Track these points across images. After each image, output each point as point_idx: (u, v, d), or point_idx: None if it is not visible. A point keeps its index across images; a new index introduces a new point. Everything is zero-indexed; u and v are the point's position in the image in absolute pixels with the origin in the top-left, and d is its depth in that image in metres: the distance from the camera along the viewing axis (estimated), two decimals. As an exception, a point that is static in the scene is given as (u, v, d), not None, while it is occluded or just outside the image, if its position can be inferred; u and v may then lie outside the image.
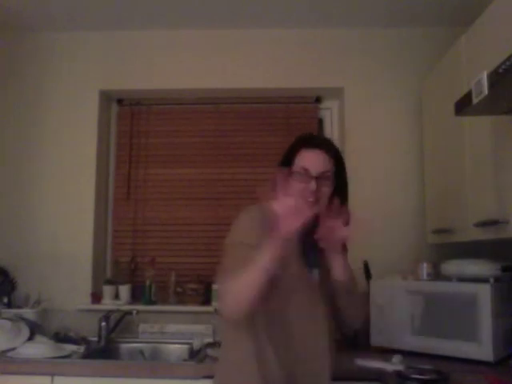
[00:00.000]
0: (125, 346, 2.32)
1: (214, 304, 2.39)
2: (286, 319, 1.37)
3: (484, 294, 1.79)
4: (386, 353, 1.92)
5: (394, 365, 1.71)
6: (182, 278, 2.55)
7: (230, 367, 1.41)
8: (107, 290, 2.50)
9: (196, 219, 2.65)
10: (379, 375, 1.71)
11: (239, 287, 1.26)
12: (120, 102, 2.77)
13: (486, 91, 1.33)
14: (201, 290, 2.49)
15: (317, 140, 1.46)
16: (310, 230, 1.39)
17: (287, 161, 1.43)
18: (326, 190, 1.39)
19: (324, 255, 1.43)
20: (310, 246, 1.42)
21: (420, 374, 1.55)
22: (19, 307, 2.37)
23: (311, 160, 1.39)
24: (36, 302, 2.38)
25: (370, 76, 2.57)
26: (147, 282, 2.50)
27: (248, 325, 1.36)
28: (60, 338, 2.20)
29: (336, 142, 2.77)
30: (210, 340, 2.28)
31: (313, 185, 1.36)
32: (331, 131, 2.73)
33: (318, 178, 1.37)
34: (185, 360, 2.16)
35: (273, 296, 1.31)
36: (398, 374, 1.60)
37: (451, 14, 2.42)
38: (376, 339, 2.06)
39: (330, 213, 1.35)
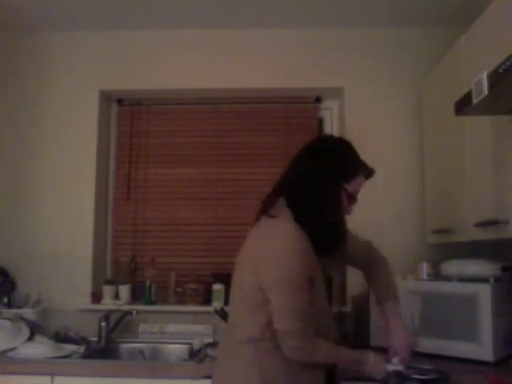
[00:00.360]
0: (125, 346, 2.32)
1: (215, 304, 2.40)
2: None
3: (484, 294, 1.79)
4: (386, 353, 1.92)
5: (394, 365, 1.71)
6: (182, 277, 2.55)
7: (231, 369, 1.39)
8: (107, 290, 2.50)
9: (196, 219, 2.64)
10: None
11: (321, 359, 1.35)
12: (120, 101, 2.77)
13: (485, 91, 1.33)
14: (201, 290, 2.49)
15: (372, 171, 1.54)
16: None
17: (348, 175, 1.44)
18: None
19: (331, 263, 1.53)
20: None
21: (420, 374, 1.55)
22: (19, 307, 2.37)
23: (360, 187, 1.48)
24: (36, 302, 2.38)
25: (370, 76, 2.57)
26: (147, 282, 2.50)
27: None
28: (60, 338, 2.20)
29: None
30: (210, 340, 2.29)
31: (352, 208, 1.46)
32: (331, 131, 2.73)
33: None
34: (185, 360, 2.16)
35: None
36: (398, 374, 1.59)
37: (451, 14, 2.42)
38: (376, 339, 2.05)
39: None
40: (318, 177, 1.38)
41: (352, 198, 1.43)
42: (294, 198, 1.39)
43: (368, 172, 1.50)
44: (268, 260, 1.32)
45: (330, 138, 1.60)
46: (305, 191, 1.39)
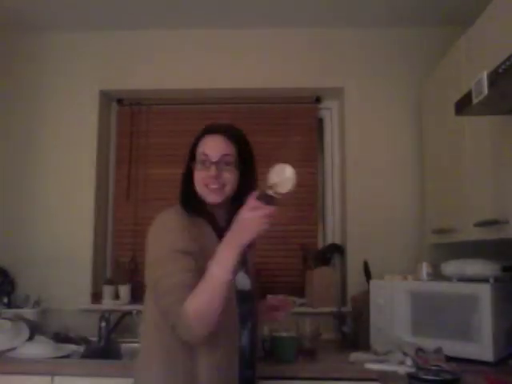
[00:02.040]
0: (125, 346, 2.32)
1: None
2: (227, 334, 1.30)
3: (484, 294, 1.79)
4: (387, 353, 1.92)
5: (408, 367, 1.70)
6: (182, 277, 2.55)
7: None
8: (107, 289, 2.50)
9: (196, 219, 2.64)
10: (380, 376, 1.71)
11: (204, 308, 1.18)
12: (120, 101, 2.77)
13: (485, 91, 1.33)
14: (201, 290, 2.49)
15: (216, 126, 1.44)
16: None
17: (192, 153, 1.42)
18: (228, 175, 1.36)
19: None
20: None
21: (433, 375, 1.55)
22: (19, 307, 2.37)
23: (210, 145, 1.38)
24: (36, 302, 2.38)
25: (370, 76, 2.57)
26: (147, 282, 2.50)
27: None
28: (60, 338, 2.20)
29: (336, 141, 2.79)
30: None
31: (212, 170, 1.34)
32: (331, 131, 2.73)
33: (218, 163, 1.35)
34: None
35: None
36: (412, 375, 1.58)
37: (451, 14, 2.42)
38: (376, 339, 2.05)
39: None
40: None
41: (201, 164, 1.36)
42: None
43: (205, 128, 1.45)
44: (147, 244, 1.33)
45: None
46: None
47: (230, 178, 1.36)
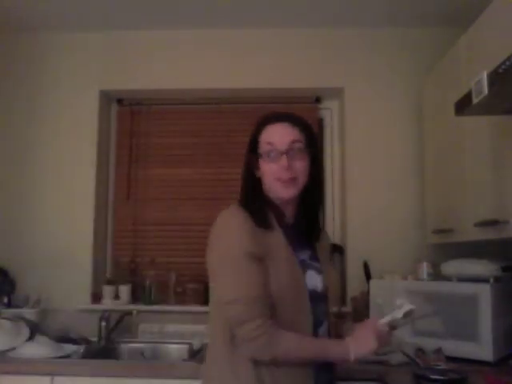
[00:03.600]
0: (125, 346, 2.32)
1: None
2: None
3: (484, 294, 1.79)
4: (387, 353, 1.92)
5: (403, 308, 1.58)
6: (182, 277, 2.55)
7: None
8: (107, 290, 2.50)
9: (196, 219, 2.64)
10: (380, 375, 1.71)
11: (293, 357, 1.18)
12: (120, 101, 2.77)
13: (485, 91, 1.33)
14: (201, 289, 2.49)
15: (280, 114, 1.31)
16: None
17: (253, 145, 1.29)
18: (301, 164, 1.25)
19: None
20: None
21: (439, 375, 1.55)
22: (19, 307, 2.37)
23: (276, 133, 1.25)
24: (36, 302, 2.38)
25: (370, 76, 2.57)
26: (147, 282, 2.50)
27: None
28: (60, 338, 2.19)
29: (336, 141, 2.79)
30: (210, 340, 2.28)
31: (283, 160, 1.22)
32: (331, 131, 2.73)
33: (288, 152, 1.23)
34: (185, 360, 2.16)
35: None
36: (419, 375, 1.58)
37: (451, 14, 2.42)
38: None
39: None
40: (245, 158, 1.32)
41: (268, 155, 1.24)
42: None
43: (268, 117, 1.29)
44: (209, 245, 1.25)
45: None
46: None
47: (302, 167, 1.24)
